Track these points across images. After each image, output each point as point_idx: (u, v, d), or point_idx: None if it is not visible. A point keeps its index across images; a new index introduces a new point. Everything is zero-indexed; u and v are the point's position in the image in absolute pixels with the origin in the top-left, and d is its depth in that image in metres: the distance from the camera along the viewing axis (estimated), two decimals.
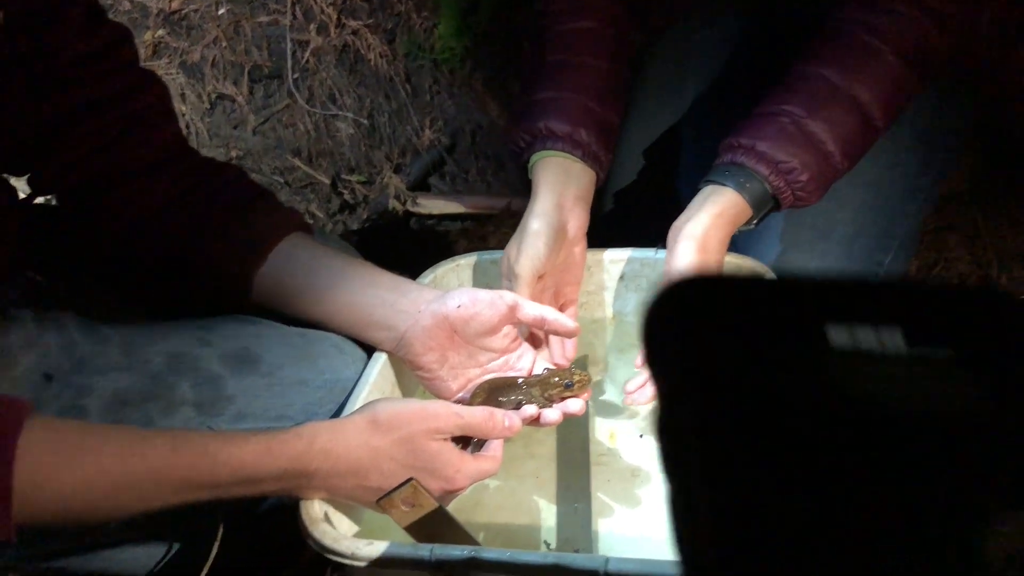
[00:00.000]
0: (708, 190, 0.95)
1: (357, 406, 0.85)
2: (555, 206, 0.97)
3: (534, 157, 1.02)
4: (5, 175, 0.83)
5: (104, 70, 0.89)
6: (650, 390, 0.92)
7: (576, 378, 0.88)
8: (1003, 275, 1.30)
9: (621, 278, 1.07)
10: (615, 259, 1.06)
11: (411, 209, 1.95)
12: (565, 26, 1.07)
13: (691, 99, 1.24)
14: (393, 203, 2.00)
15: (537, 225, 0.95)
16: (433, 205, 1.98)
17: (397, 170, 2.03)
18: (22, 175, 0.87)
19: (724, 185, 0.94)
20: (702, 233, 0.91)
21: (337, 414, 0.87)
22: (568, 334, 0.93)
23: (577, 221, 0.99)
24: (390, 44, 2.06)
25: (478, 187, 1.99)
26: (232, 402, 0.85)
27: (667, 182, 1.22)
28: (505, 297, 0.92)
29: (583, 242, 1.01)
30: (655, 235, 1.17)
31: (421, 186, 2.02)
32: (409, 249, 1.75)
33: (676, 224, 0.93)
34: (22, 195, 0.93)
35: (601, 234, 1.07)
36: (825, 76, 0.96)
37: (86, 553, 0.87)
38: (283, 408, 0.86)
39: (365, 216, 1.96)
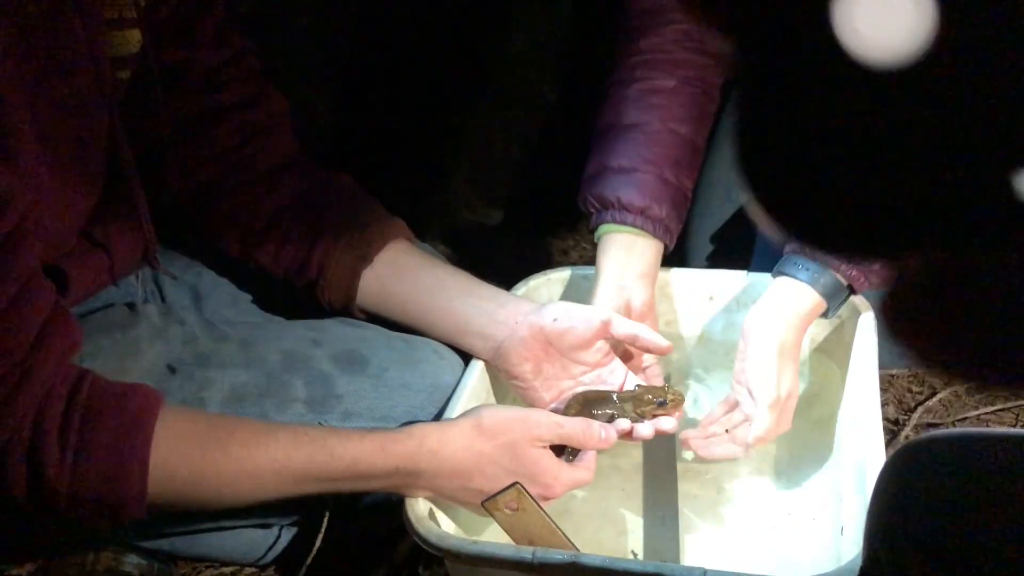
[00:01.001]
0: (781, 284, 0.95)
1: (456, 411, 0.89)
2: (617, 287, 0.99)
3: (602, 229, 1.03)
4: (136, 177, 0.88)
5: (229, 80, 0.94)
6: (720, 448, 0.95)
7: (669, 396, 0.91)
8: None
9: (710, 298, 1.09)
10: (705, 279, 1.09)
11: (484, 220, 1.99)
12: (646, 84, 1.06)
13: None
14: (465, 213, 2.04)
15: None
16: (502, 217, 2.01)
17: (471, 181, 2.07)
18: (155, 177, 0.92)
19: (796, 279, 0.95)
20: (779, 335, 0.92)
21: (437, 418, 0.91)
22: (660, 352, 0.96)
23: (641, 297, 0.99)
24: None
25: None
26: (341, 401, 0.89)
27: None
28: (600, 313, 0.95)
29: (651, 315, 1.01)
30: (745, 254, 1.19)
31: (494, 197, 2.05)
32: (484, 259, 1.79)
33: (752, 318, 0.94)
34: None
35: (695, 252, 1.09)
36: None
37: (194, 536, 0.92)
38: (387, 409, 0.90)
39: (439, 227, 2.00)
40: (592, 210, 1.03)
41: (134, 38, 0.84)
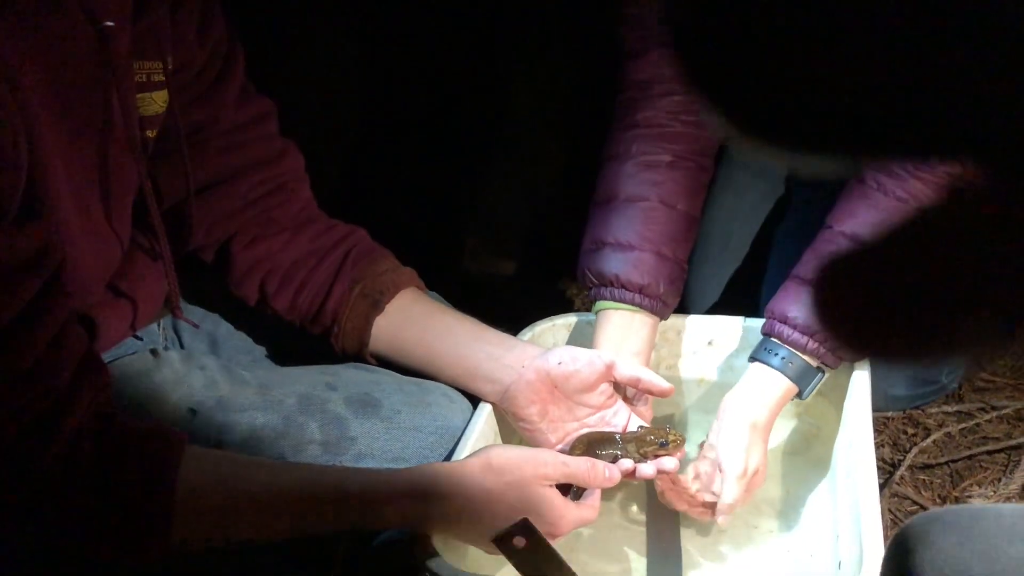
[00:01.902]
0: (755, 370, 1.00)
1: (465, 452, 0.92)
2: None
3: (600, 304, 1.06)
4: (162, 231, 0.92)
5: (251, 139, 0.99)
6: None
7: (671, 438, 0.94)
8: None
9: (710, 343, 1.13)
10: (704, 325, 1.13)
11: (490, 271, 2.03)
12: (642, 158, 1.08)
13: (779, 181, 1.31)
14: (471, 264, 2.09)
15: None
16: (507, 267, 2.06)
17: (477, 233, 2.12)
18: (179, 230, 0.96)
19: (769, 365, 0.99)
20: (751, 416, 0.96)
21: (447, 459, 0.94)
22: (662, 394, 0.99)
23: None
24: None
25: None
26: (354, 443, 0.92)
27: (756, 250, 1.28)
28: (603, 356, 0.99)
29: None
30: (743, 299, 1.23)
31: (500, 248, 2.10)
32: (491, 308, 1.82)
33: (727, 402, 0.98)
34: None
35: (694, 298, 1.12)
36: (852, 237, 0.99)
37: None
38: (399, 451, 0.94)
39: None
40: (590, 285, 1.07)
41: (161, 98, 0.89)
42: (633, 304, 1.04)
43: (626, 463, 0.93)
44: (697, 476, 0.98)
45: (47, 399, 0.70)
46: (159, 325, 1.02)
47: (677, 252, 1.07)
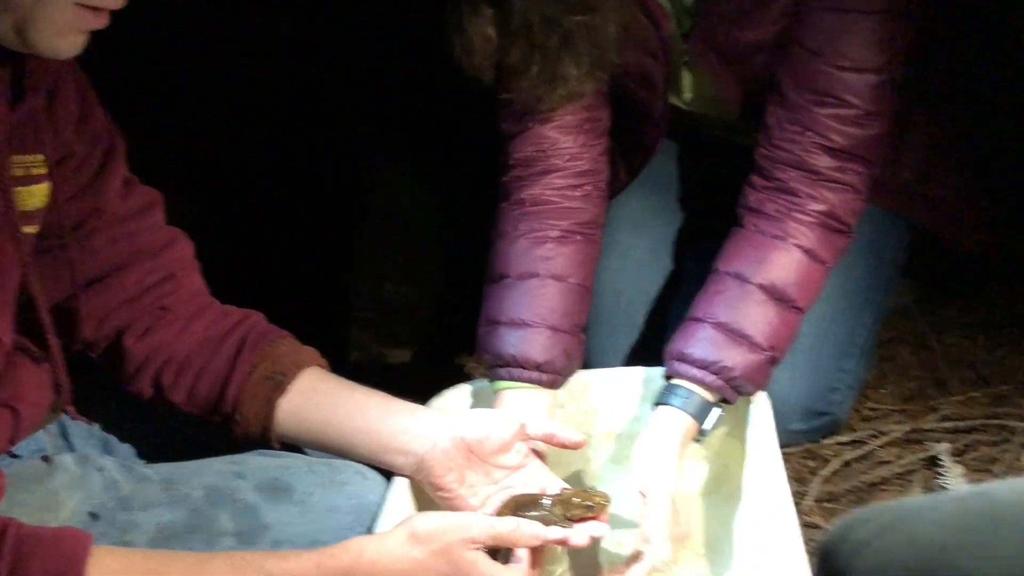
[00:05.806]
0: (659, 413, 1.03)
1: (383, 529, 0.90)
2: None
3: (498, 385, 1.09)
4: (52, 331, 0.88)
5: (138, 229, 0.97)
6: None
7: (596, 499, 0.94)
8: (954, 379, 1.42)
9: (614, 396, 1.15)
10: (607, 378, 1.15)
11: (381, 360, 2.02)
12: (531, 236, 1.11)
13: (677, 223, 1.36)
14: (359, 355, 2.07)
15: None
16: (401, 355, 2.05)
17: (365, 324, 2.10)
18: (68, 328, 0.92)
19: (670, 405, 1.03)
20: (661, 460, 0.99)
21: None
22: (575, 446, 1.00)
23: (538, 447, 1.03)
24: None
25: None
26: (269, 530, 0.89)
27: (659, 296, 1.32)
28: (515, 417, 0.99)
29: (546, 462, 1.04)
30: (638, 350, 1.27)
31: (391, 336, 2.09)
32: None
33: (637, 450, 1.01)
34: None
35: (593, 353, 1.15)
36: (735, 275, 1.06)
37: None
38: (317, 533, 0.91)
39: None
40: (488, 366, 1.10)
41: (41, 192, 0.87)
42: (531, 382, 1.07)
43: (556, 533, 0.91)
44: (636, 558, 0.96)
45: None
46: (46, 430, 0.97)
47: (573, 324, 1.10)
